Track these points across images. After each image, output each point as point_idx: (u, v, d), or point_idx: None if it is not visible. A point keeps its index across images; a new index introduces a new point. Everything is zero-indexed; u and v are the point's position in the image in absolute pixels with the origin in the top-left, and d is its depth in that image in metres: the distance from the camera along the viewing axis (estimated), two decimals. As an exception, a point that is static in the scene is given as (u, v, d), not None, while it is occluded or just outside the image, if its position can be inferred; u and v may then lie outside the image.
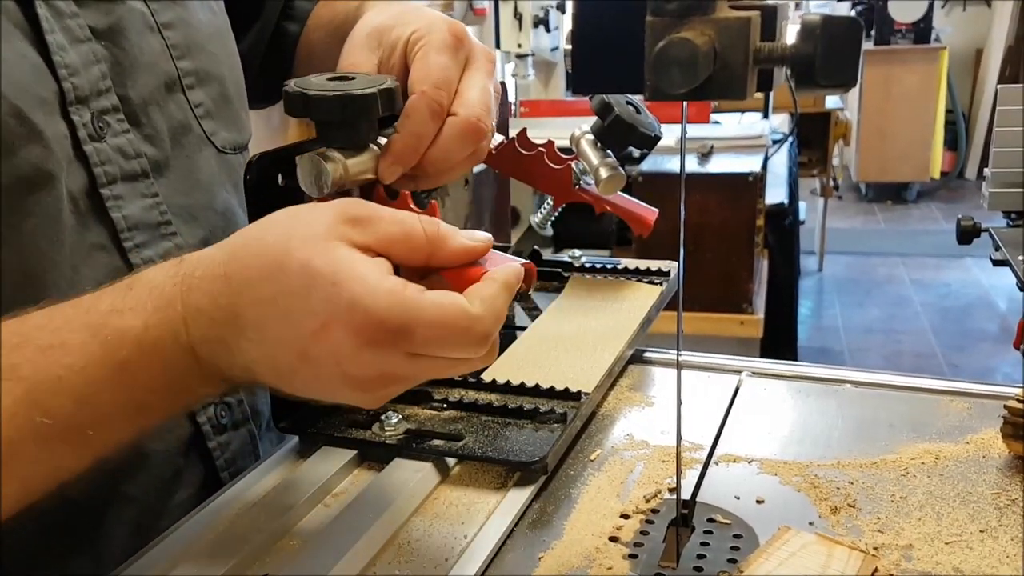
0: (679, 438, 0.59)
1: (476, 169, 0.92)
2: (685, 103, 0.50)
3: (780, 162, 3.38)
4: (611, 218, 3.10)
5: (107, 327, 0.48)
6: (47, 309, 0.49)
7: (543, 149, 0.84)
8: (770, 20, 0.43)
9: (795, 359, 3.38)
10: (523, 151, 0.84)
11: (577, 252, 0.97)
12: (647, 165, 2.72)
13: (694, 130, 2.95)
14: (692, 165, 2.71)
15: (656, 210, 0.89)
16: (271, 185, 0.63)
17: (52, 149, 0.59)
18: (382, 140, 0.60)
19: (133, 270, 0.61)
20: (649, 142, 0.77)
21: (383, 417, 0.65)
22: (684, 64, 0.39)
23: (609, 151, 0.79)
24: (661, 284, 0.91)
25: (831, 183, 4.76)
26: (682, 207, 0.55)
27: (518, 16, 3.23)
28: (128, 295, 0.49)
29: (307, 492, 0.60)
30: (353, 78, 0.61)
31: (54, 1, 0.61)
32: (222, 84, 0.75)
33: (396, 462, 0.63)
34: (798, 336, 3.57)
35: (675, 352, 0.89)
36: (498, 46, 3.31)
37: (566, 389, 0.69)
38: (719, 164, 2.72)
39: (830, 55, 0.39)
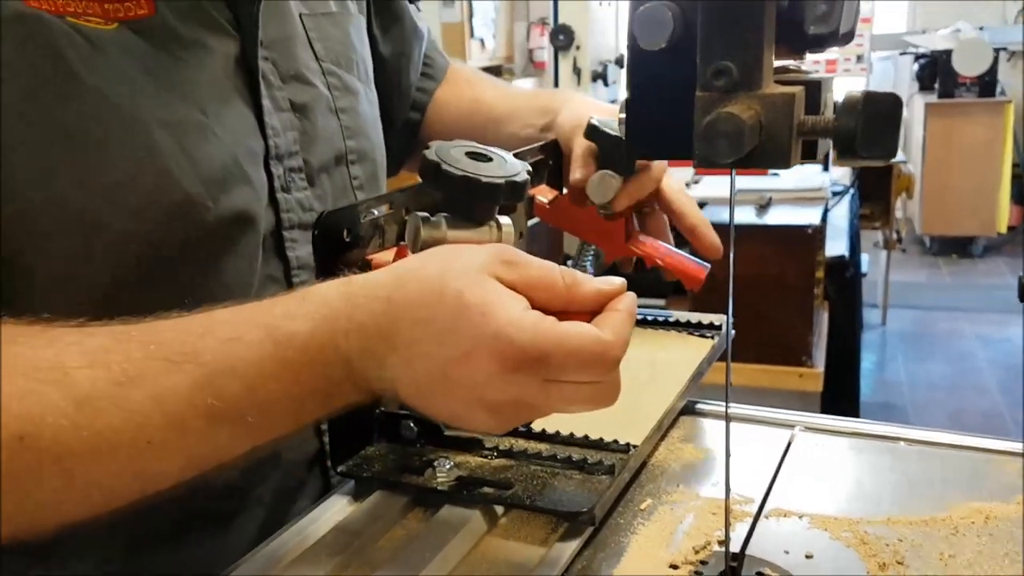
0: (728, 490, 0.60)
1: (531, 222, 0.95)
2: (733, 170, 0.52)
3: (841, 214, 3.36)
4: (668, 268, 3.11)
5: (280, 329, 0.54)
6: (233, 307, 0.55)
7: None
8: (814, 93, 0.45)
9: (857, 414, 3.33)
10: (575, 204, 0.88)
11: (630, 304, 0.99)
12: (706, 216, 2.73)
13: (752, 182, 2.95)
14: (750, 217, 2.71)
15: (707, 265, 0.91)
16: (338, 240, 0.67)
17: (258, 193, 0.71)
18: (503, 219, 0.65)
19: None
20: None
21: (436, 464, 0.67)
22: (731, 137, 0.41)
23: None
24: (712, 337, 0.92)
25: (894, 236, 4.70)
26: (731, 264, 0.57)
27: (577, 71, 3.28)
28: (302, 304, 0.55)
29: (360, 535, 0.62)
30: (491, 159, 0.65)
31: (267, 75, 0.74)
32: (374, 164, 0.89)
33: (447, 508, 0.65)
34: (860, 390, 3.51)
35: (731, 404, 0.90)
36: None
37: (615, 441, 0.70)
38: (777, 216, 2.72)
39: (871, 129, 0.41)
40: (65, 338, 0.52)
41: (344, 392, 0.55)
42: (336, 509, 0.68)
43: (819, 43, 0.46)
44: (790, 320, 2.62)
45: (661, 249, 0.91)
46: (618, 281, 0.57)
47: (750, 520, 0.66)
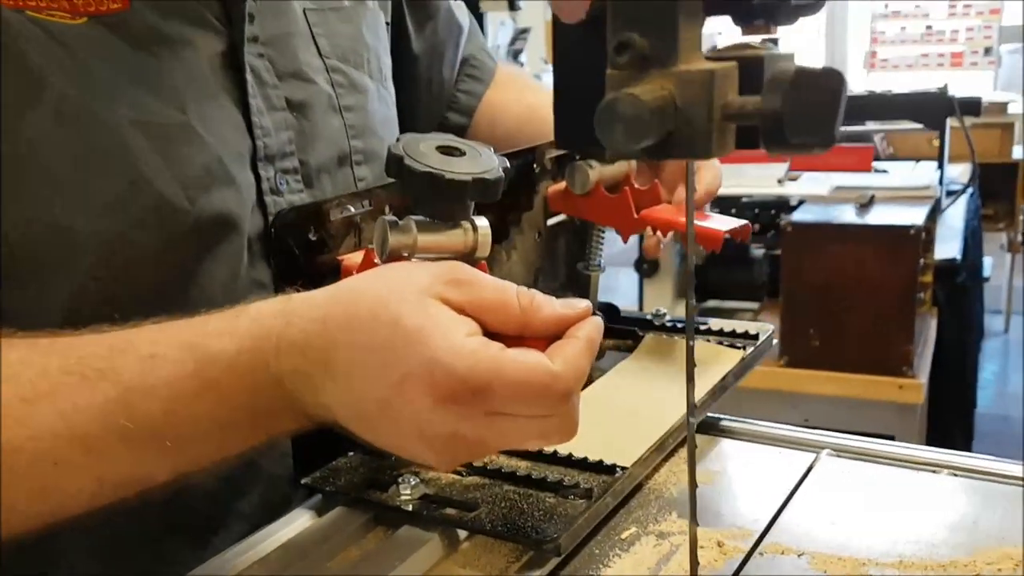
0: (693, 522, 0.53)
1: (551, 221, 0.89)
2: (691, 163, 0.46)
3: (956, 214, 3.15)
4: (761, 268, 2.97)
5: (204, 347, 0.51)
6: (162, 323, 0.53)
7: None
8: (755, 71, 0.38)
9: (970, 427, 3.12)
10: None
11: (663, 310, 0.92)
12: (802, 214, 2.60)
13: (853, 179, 2.80)
14: (849, 216, 2.57)
15: (726, 222, 0.81)
16: (301, 240, 0.63)
17: (242, 196, 0.67)
18: (479, 221, 0.59)
19: None
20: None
21: (400, 480, 0.63)
22: (628, 121, 0.35)
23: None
24: (743, 348, 0.85)
25: (1019, 238, 4.41)
26: (691, 265, 0.50)
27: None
28: (233, 321, 0.52)
29: (308, 555, 0.59)
30: (463, 153, 0.59)
31: (261, 73, 0.71)
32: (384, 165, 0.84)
33: (407, 528, 0.60)
34: (976, 402, 3.28)
35: (758, 422, 0.82)
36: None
37: (600, 461, 0.64)
38: (879, 215, 2.56)
39: (802, 112, 0.34)
40: None
41: (278, 416, 0.52)
42: (295, 525, 0.64)
43: (769, 13, 0.39)
44: (889, 327, 2.45)
45: (673, 216, 0.84)
46: (582, 304, 0.52)
47: (741, 557, 0.59)
